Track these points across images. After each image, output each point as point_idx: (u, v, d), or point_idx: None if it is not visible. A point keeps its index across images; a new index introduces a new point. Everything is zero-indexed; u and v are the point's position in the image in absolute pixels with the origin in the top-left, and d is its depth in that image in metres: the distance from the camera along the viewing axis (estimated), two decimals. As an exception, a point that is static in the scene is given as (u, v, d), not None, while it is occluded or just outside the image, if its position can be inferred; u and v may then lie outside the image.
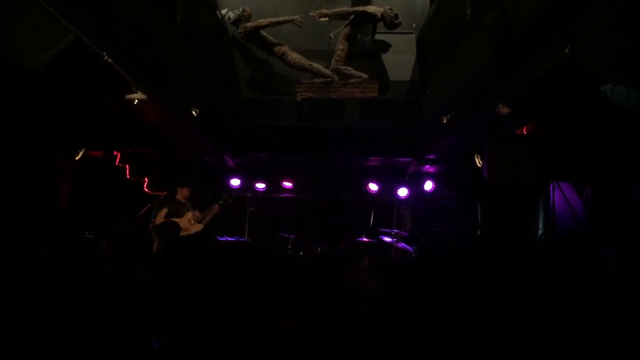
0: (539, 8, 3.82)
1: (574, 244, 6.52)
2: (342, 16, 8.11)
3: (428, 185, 9.16)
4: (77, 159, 7.35)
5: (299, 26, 8.10)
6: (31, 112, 5.52)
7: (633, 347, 2.41)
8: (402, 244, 8.09)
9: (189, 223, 7.46)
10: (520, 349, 2.20)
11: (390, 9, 7.94)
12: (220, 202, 7.99)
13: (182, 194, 7.66)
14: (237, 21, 8.18)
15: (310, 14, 8.03)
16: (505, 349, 2.14)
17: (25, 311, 2.23)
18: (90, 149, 7.74)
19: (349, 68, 8.08)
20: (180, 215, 7.40)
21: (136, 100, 4.55)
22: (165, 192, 8.21)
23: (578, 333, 2.42)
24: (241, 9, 8.15)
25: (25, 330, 2.04)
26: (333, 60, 8.10)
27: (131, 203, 8.62)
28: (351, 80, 8.03)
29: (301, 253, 8.28)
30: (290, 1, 8.79)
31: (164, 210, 7.38)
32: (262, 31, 8.18)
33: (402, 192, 9.24)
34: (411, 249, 7.93)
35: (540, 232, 7.57)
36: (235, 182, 9.35)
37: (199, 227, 7.65)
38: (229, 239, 8.65)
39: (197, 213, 7.69)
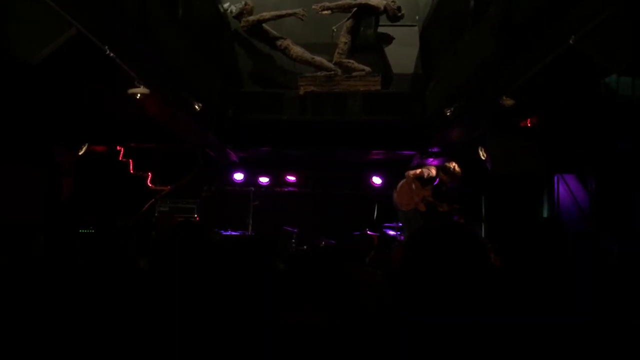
0: (542, -1, 3.80)
1: (578, 235, 6.50)
2: (345, 9, 8.06)
3: (431, 179, 9.10)
4: (80, 153, 7.36)
5: (302, 19, 8.07)
6: (33, 106, 5.52)
7: (633, 341, 2.39)
8: (406, 237, 8.08)
9: None
10: (519, 343, 2.19)
11: (393, 1, 7.89)
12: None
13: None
14: (239, 15, 8.15)
15: (313, 7, 7.99)
16: (504, 342, 2.13)
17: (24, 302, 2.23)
18: (93, 143, 7.74)
19: (351, 61, 8.05)
20: None
21: (139, 95, 4.55)
22: (168, 187, 8.17)
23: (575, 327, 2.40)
24: (243, 3, 8.11)
25: (21, 323, 2.05)
26: (336, 54, 8.06)
27: (135, 198, 8.63)
28: (354, 74, 7.99)
29: (305, 247, 8.29)
30: (292, -6, 8.77)
31: None
32: (264, 25, 8.15)
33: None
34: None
35: (544, 224, 7.54)
36: (238, 176, 9.36)
37: None
38: (233, 233, 8.67)
39: None
